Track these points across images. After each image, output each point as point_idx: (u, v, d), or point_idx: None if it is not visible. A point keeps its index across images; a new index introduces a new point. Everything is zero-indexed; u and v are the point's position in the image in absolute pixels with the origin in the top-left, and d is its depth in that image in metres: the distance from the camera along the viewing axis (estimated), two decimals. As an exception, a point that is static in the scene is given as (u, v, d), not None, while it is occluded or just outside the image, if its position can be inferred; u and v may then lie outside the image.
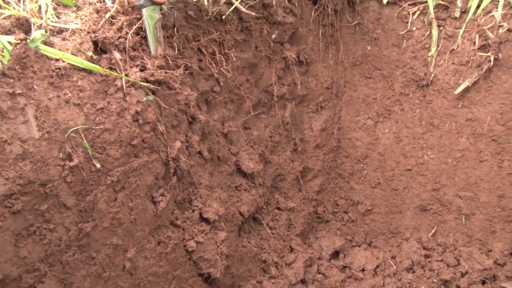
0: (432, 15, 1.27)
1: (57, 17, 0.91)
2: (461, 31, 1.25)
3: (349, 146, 1.45)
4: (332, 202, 1.52)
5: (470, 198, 1.34)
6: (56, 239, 0.81)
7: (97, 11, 0.93)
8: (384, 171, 1.43)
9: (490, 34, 1.21)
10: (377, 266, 1.35)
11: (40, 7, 0.89)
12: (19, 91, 0.75)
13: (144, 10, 0.93)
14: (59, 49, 0.83)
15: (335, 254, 1.41)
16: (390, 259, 1.36)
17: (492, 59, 1.22)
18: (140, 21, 0.95)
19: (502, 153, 1.27)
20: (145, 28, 0.95)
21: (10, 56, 0.75)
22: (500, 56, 1.22)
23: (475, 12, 1.23)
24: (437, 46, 1.28)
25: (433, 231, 1.40)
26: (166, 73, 0.97)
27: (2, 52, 0.76)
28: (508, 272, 1.24)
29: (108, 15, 0.93)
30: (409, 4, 1.31)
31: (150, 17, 0.93)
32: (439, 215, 1.39)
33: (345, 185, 1.51)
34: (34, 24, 0.83)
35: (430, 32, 1.28)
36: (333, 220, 1.51)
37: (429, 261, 1.33)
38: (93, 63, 0.87)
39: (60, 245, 0.82)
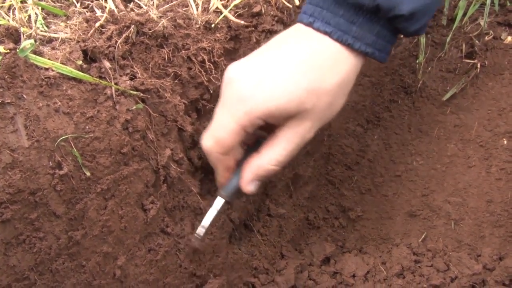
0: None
1: (47, 26, 0.92)
2: (448, 38, 1.26)
3: (339, 153, 1.46)
4: (323, 208, 1.53)
5: (459, 203, 1.35)
6: (45, 248, 0.81)
7: (87, 21, 0.94)
8: (374, 177, 1.44)
9: (477, 42, 1.23)
10: (368, 272, 1.36)
11: (29, 16, 0.89)
12: (9, 101, 0.75)
13: (218, 200, 0.90)
14: (49, 58, 0.83)
15: (326, 260, 1.41)
16: (380, 265, 1.36)
17: (478, 66, 1.23)
18: (129, 30, 0.95)
19: (490, 158, 1.29)
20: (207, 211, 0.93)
21: (0, 65, 0.75)
22: (486, 63, 1.23)
23: (461, 20, 1.25)
24: (425, 53, 1.29)
25: (422, 236, 1.41)
26: (155, 81, 0.97)
27: (-8, 61, 0.76)
28: (497, 277, 1.25)
29: (97, 24, 0.94)
30: (397, 12, 1.32)
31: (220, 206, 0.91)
32: (428, 220, 1.40)
33: (336, 191, 1.51)
34: (23, 34, 0.84)
35: (418, 40, 1.29)
36: (324, 226, 1.51)
37: (419, 267, 1.33)
38: (83, 72, 0.87)
39: (50, 254, 0.82)
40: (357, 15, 0.77)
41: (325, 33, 0.78)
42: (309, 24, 0.79)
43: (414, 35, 0.92)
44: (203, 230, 0.93)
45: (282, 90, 0.75)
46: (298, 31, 0.81)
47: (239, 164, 0.87)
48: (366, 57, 0.83)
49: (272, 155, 0.79)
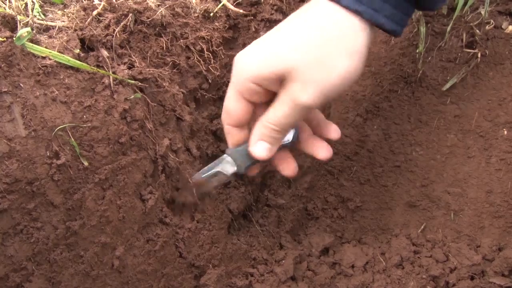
0: (420, 12, 1.27)
1: (44, 14, 0.91)
2: (449, 28, 1.25)
3: (338, 143, 1.45)
4: (322, 198, 1.52)
5: (459, 194, 1.34)
6: (43, 238, 0.81)
7: (84, 9, 0.93)
8: (373, 168, 1.44)
9: (477, 31, 1.22)
10: (367, 263, 1.36)
11: (26, 4, 0.88)
12: (5, 89, 0.75)
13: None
14: (46, 47, 0.82)
15: (325, 251, 1.41)
16: (379, 256, 1.36)
17: (479, 55, 1.22)
18: (127, 18, 0.95)
19: (490, 149, 1.28)
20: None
21: (-4, 54, 0.74)
22: (487, 52, 1.22)
23: (462, 9, 1.24)
24: (425, 43, 1.28)
25: (422, 227, 1.41)
26: (154, 71, 0.96)
27: (-12, 50, 0.75)
28: (497, 268, 1.25)
29: (95, 12, 0.93)
30: (397, 1, 1.31)
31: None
32: (428, 211, 1.40)
33: (335, 181, 1.51)
34: (20, 22, 0.83)
35: (418, 29, 1.28)
36: (323, 217, 1.51)
37: (418, 257, 1.33)
38: (80, 60, 0.86)
39: (47, 244, 0.82)
40: None
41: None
42: None
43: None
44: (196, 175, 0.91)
45: (268, 52, 0.76)
46: (306, 4, 0.79)
47: None
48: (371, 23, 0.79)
49: (271, 113, 0.78)
